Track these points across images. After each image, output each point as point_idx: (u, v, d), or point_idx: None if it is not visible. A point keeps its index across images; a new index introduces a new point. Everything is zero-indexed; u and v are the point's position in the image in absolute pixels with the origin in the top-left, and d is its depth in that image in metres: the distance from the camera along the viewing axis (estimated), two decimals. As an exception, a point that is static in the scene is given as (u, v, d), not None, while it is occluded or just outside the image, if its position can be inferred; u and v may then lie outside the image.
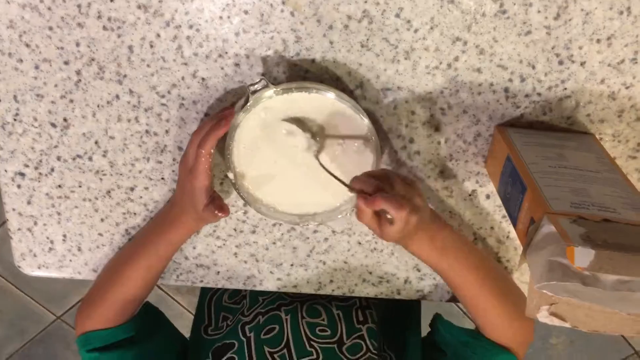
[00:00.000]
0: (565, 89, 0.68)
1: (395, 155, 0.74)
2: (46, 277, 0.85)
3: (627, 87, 0.68)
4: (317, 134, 0.67)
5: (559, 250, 0.51)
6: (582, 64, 0.67)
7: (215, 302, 0.93)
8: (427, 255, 0.70)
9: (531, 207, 0.58)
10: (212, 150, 0.65)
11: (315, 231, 0.79)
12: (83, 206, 0.78)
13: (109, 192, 0.77)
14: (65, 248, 0.82)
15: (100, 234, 0.81)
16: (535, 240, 0.54)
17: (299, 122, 0.66)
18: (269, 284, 0.84)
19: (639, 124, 0.70)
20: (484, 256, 0.76)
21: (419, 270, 0.82)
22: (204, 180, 0.66)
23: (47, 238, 0.81)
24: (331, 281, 0.84)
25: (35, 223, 0.80)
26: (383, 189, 0.60)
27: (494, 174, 0.71)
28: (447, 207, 0.77)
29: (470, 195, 0.76)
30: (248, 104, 0.64)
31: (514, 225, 0.62)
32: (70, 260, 0.83)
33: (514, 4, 0.64)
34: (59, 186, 0.77)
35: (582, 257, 0.49)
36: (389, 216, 0.60)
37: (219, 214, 0.70)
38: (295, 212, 0.71)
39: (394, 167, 0.74)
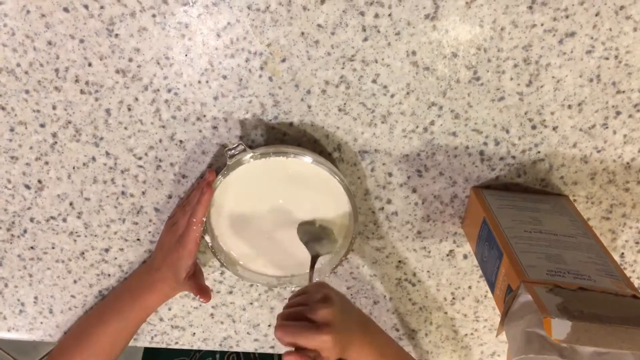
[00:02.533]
0: (539, 152, 0.69)
1: (373, 216, 0.74)
2: (16, 339, 0.83)
3: (598, 151, 0.69)
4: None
5: (536, 321, 0.51)
6: (555, 128, 0.68)
7: None
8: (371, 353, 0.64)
9: (508, 274, 0.58)
10: (203, 219, 0.65)
11: (293, 291, 0.79)
12: (56, 268, 0.77)
13: (83, 253, 0.76)
14: (36, 310, 0.80)
15: (72, 296, 0.79)
16: (512, 309, 0.54)
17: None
18: (246, 345, 0.83)
19: (610, 186, 0.71)
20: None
21: (397, 330, 0.82)
22: (193, 249, 0.66)
23: (18, 300, 0.79)
24: (309, 341, 0.83)
25: (6, 285, 0.78)
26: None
27: (471, 235, 0.71)
28: (425, 267, 0.77)
29: (447, 255, 0.76)
30: (225, 168, 0.64)
31: (492, 290, 0.62)
32: (42, 323, 0.81)
33: (487, 71, 0.65)
34: (32, 248, 0.75)
35: (559, 328, 0.50)
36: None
37: (201, 300, 0.70)
38: (273, 274, 0.71)
39: (371, 228, 0.74)
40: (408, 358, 0.68)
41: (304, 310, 0.58)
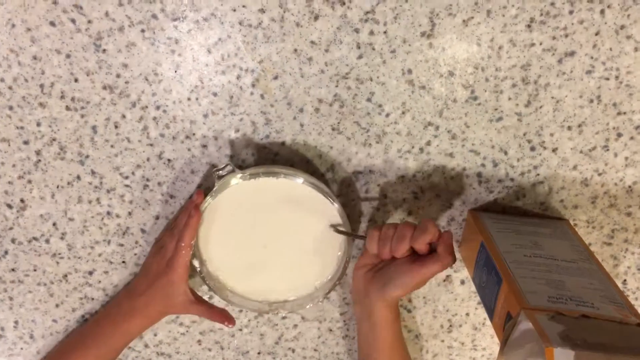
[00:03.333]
0: (538, 174, 0.68)
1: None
2: (-6, 365, 0.79)
3: (599, 174, 0.67)
4: None
5: (538, 351, 0.48)
6: (554, 150, 0.66)
7: None
8: (387, 315, 0.65)
9: (507, 300, 0.55)
10: (192, 242, 0.63)
11: (283, 317, 0.76)
12: (37, 291, 0.74)
13: (66, 276, 0.73)
14: (16, 335, 0.77)
15: (54, 321, 0.76)
16: (512, 337, 0.52)
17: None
18: (235, 373, 0.80)
19: (612, 210, 0.69)
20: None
21: (392, 359, 0.78)
22: (184, 273, 0.64)
23: (-3, 324, 0.76)
24: (300, 370, 0.80)
25: (-15, 308, 0.75)
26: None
27: (468, 259, 0.69)
28: (422, 293, 0.74)
29: (444, 280, 0.74)
30: (214, 189, 0.62)
31: (490, 317, 0.60)
32: (22, 349, 0.78)
33: (485, 91, 0.63)
34: (13, 270, 0.73)
35: (562, 358, 0.47)
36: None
37: (229, 326, 0.68)
38: (264, 299, 0.68)
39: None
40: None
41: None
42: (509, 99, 0.64)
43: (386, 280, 0.61)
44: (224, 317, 0.68)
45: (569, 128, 0.65)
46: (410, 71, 0.63)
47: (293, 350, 0.78)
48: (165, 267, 0.64)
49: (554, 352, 0.47)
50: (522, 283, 0.56)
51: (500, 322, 0.57)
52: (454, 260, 0.58)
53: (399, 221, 0.70)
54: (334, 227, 0.64)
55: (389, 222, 0.62)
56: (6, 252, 0.72)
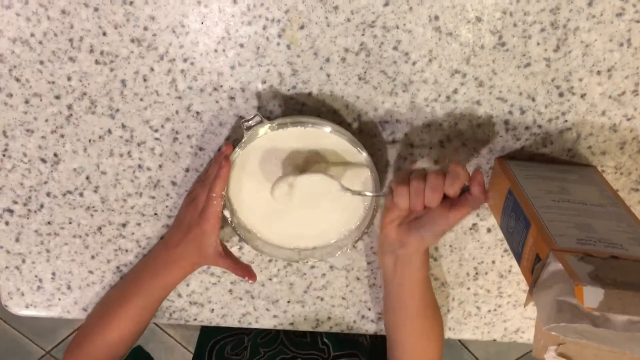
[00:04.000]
0: (566, 121, 0.67)
1: (394, 189, 0.72)
2: (34, 316, 0.82)
3: (628, 119, 0.67)
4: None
5: (567, 290, 0.49)
6: (583, 96, 0.66)
7: (216, 354, 0.90)
8: (423, 259, 0.68)
9: (536, 243, 0.56)
10: (223, 193, 0.64)
11: (312, 267, 0.77)
12: (73, 243, 0.76)
13: (100, 228, 0.75)
14: (54, 286, 0.79)
15: (90, 272, 0.78)
16: (541, 278, 0.53)
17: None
18: (265, 322, 0.82)
19: (641, 156, 0.69)
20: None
21: (419, 306, 0.80)
22: (216, 223, 0.65)
23: (36, 276, 0.79)
24: (329, 318, 0.82)
25: (24, 261, 0.77)
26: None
27: (495, 207, 0.69)
28: (448, 242, 0.75)
29: (471, 229, 0.74)
30: (242, 140, 0.62)
31: (518, 261, 0.60)
32: (59, 299, 0.80)
33: (513, 36, 0.63)
34: (49, 223, 0.75)
35: (592, 296, 0.48)
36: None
37: (250, 281, 0.70)
38: (294, 246, 0.69)
39: (392, 201, 0.73)
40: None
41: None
42: (538, 44, 0.63)
43: (424, 230, 0.62)
44: (246, 272, 0.69)
45: (598, 73, 0.64)
46: (437, 18, 0.62)
47: (322, 299, 0.80)
48: (198, 219, 0.66)
49: (584, 290, 0.47)
50: (551, 226, 0.56)
51: (528, 265, 0.57)
52: (488, 198, 0.58)
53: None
54: (347, 189, 0.63)
55: (413, 171, 0.61)
56: (42, 206, 0.74)
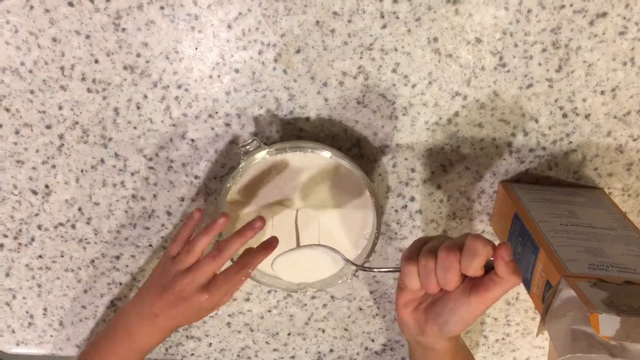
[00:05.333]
0: (571, 142, 0.66)
1: (396, 215, 0.70)
2: (25, 354, 0.79)
3: (634, 140, 0.65)
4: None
5: (582, 318, 0.47)
6: (587, 116, 0.64)
7: None
8: (452, 346, 0.55)
9: (546, 269, 0.54)
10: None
11: (313, 297, 0.75)
12: (65, 277, 0.74)
13: (93, 261, 0.73)
14: (45, 323, 0.77)
15: (83, 307, 0.76)
16: (553, 306, 0.50)
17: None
18: (265, 356, 0.79)
19: (649, 176, 0.67)
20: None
21: (424, 337, 0.77)
22: (228, 300, 0.61)
23: (27, 312, 0.76)
24: (331, 350, 0.79)
25: (14, 296, 0.75)
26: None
27: (501, 232, 0.67)
28: (452, 269, 0.73)
29: (475, 255, 0.72)
30: (240, 165, 0.61)
31: (527, 288, 0.58)
32: (52, 336, 0.78)
33: (514, 57, 0.61)
34: (40, 256, 0.72)
35: (608, 324, 0.45)
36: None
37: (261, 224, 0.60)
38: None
39: (394, 228, 0.71)
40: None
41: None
42: (539, 64, 0.62)
43: (443, 320, 0.50)
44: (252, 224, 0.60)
45: (602, 93, 0.63)
46: (436, 39, 0.61)
47: (323, 331, 0.77)
48: (203, 293, 0.59)
49: (599, 318, 0.45)
50: (561, 251, 0.54)
51: (538, 292, 0.55)
52: (520, 279, 0.46)
53: (427, 196, 0.68)
54: (351, 262, 0.58)
55: (428, 240, 0.50)
56: (33, 239, 0.71)
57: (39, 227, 0.71)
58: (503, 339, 0.78)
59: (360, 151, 0.67)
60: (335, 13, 0.60)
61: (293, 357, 0.79)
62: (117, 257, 0.73)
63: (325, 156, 0.60)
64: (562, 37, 0.60)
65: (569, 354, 0.46)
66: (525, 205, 0.62)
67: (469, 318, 0.48)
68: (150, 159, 0.67)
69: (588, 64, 0.62)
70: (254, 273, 0.63)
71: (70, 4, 0.59)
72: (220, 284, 0.59)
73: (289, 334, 0.78)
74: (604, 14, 0.59)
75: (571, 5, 0.59)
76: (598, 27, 0.60)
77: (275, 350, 0.79)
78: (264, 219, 0.59)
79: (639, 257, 0.54)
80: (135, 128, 0.65)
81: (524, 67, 0.62)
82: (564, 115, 0.64)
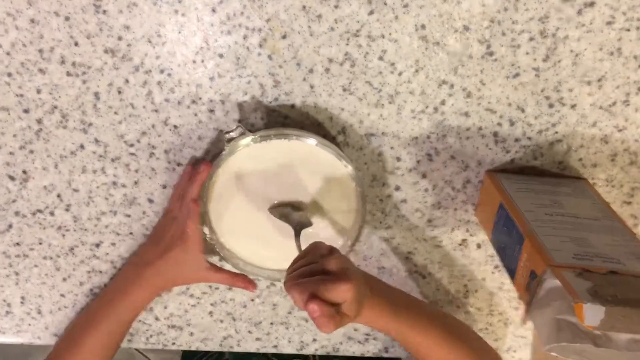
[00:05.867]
0: (556, 132, 0.65)
1: (380, 204, 0.69)
2: (3, 342, 0.78)
3: (619, 130, 0.65)
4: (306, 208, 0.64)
5: (566, 308, 0.47)
6: (573, 106, 0.64)
7: None
8: (384, 322, 0.58)
9: (531, 258, 0.54)
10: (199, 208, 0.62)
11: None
12: (43, 265, 0.72)
13: (72, 249, 0.71)
14: (23, 311, 0.75)
15: (62, 295, 0.74)
16: (538, 295, 0.50)
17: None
18: (248, 345, 0.78)
19: (632, 168, 0.67)
20: (435, 308, 0.69)
21: (407, 326, 0.77)
22: (199, 240, 0.63)
23: (4, 301, 0.74)
24: (314, 340, 0.78)
25: (-9, 284, 0.73)
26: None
27: (486, 222, 0.67)
28: (436, 258, 0.73)
29: (460, 244, 0.72)
30: (223, 152, 0.60)
31: (512, 278, 0.58)
32: (30, 325, 0.76)
33: (502, 46, 0.61)
34: (17, 244, 0.71)
35: (592, 314, 0.45)
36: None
37: (252, 290, 0.67)
38: (276, 267, 0.66)
39: (379, 217, 0.70)
40: (422, 304, 0.65)
41: (313, 267, 0.51)
42: (527, 53, 0.61)
43: None
44: (246, 281, 0.66)
45: (589, 83, 0.63)
46: (423, 27, 0.60)
47: (306, 320, 0.77)
48: (180, 236, 0.63)
49: (584, 307, 0.45)
50: (546, 241, 0.54)
51: (523, 282, 0.55)
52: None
53: (412, 185, 0.68)
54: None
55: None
56: (10, 226, 0.70)
57: (17, 213, 0.69)
58: (486, 328, 0.78)
59: (345, 139, 0.66)
60: (321, -2, 0.59)
61: (276, 346, 0.79)
62: (97, 245, 0.71)
63: (310, 144, 0.60)
64: (549, 26, 0.60)
65: (553, 343, 0.46)
66: (510, 195, 0.62)
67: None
68: (132, 145, 0.66)
69: (575, 53, 0.61)
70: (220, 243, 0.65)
71: (49, -16, 0.58)
72: (177, 211, 0.64)
73: (271, 323, 0.77)
74: (592, 4, 0.59)
75: (559, -6, 0.58)
76: (586, 17, 0.60)
77: (257, 339, 0.78)
78: (208, 164, 0.62)
79: (622, 247, 0.54)
80: (116, 113, 0.64)
81: (512, 55, 0.62)
82: (550, 105, 0.64)
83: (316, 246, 0.54)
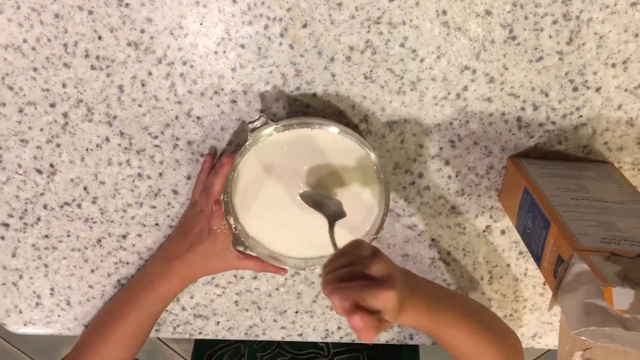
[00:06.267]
0: (581, 116, 0.65)
1: (403, 192, 0.69)
2: (33, 334, 0.79)
3: (645, 113, 0.64)
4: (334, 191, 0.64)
5: (595, 292, 0.47)
6: (598, 89, 0.63)
7: None
8: (421, 322, 0.56)
9: (557, 243, 0.53)
10: (222, 197, 0.62)
11: (321, 275, 0.75)
12: (72, 257, 0.73)
13: (100, 240, 0.72)
14: (53, 302, 0.76)
15: (90, 286, 0.75)
16: (566, 280, 0.50)
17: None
18: (273, 334, 0.79)
19: (659, 150, 0.66)
20: (463, 298, 0.68)
21: (432, 313, 0.77)
22: (228, 231, 0.64)
23: (34, 292, 0.76)
24: (339, 328, 0.79)
25: (21, 277, 0.74)
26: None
27: (510, 208, 0.67)
28: (460, 245, 0.73)
29: (484, 231, 0.72)
30: (247, 142, 0.60)
31: (538, 263, 0.58)
32: (59, 316, 0.77)
33: (524, 30, 0.60)
34: (46, 236, 0.72)
35: (622, 298, 0.45)
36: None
37: (282, 274, 0.69)
38: (301, 255, 0.66)
39: (402, 205, 0.70)
40: (463, 299, 0.65)
41: (354, 270, 0.48)
42: (550, 37, 0.61)
43: None
44: (276, 266, 0.67)
45: (613, 65, 0.62)
46: (444, 12, 0.60)
47: (331, 308, 0.77)
48: (209, 230, 0.64)
49: (613, 291, 0.45)
50: (572, 225, 0.54)
51: (550, 267, 0.55)
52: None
53: (435, 172, 0.68)
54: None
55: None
56: (39, 219, 0.71)
57: (45, 206, 0.70)
58: (511, 314, 0.77)
59: (367, 127, 0.66)
60: (342, -14, 0.59)
61: (301, 334, 0.79)
62: (124, 237, 0.72)
63: (332, 132, 0.60)
64: (573, 8, 0.59)
65: (582, 327, 0.46)
66: (535, 180, 0.61)
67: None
68: (156, 137, 0.66)
69: (599, 36, 0.61)
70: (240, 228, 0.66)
71: (72, -21, 0.58)
72: (203, 204, 0.65)
73: (296, 312, 0.77)
74: (616, -15, 0.58)
75: (583, -24, 0.58)
76: (610, -2, 0.59)
77: (283, 328, 0.79)
78: (231, 156, 0.61)
79: (650, 231, 0.54)
80: (140, 106, 0.64)
81: (534, 39, 0.61)
82: (575, 89, 0.63)
83: (357, 245, 0.52)
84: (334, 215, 0.59)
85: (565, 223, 0.54)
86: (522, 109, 0.65)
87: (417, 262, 0.74)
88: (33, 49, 0.62)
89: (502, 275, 0.74)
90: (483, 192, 0.69)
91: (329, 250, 0.65)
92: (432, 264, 0.74)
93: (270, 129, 0.59)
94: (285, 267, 0.67)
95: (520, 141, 0.66)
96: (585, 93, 0.63)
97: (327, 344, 0.84)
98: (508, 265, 0.74)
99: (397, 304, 0.47)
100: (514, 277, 0.75)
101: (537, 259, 0.58)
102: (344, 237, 0.65)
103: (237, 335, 0.79)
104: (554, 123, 0.65)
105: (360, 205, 0.64)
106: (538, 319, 0.77)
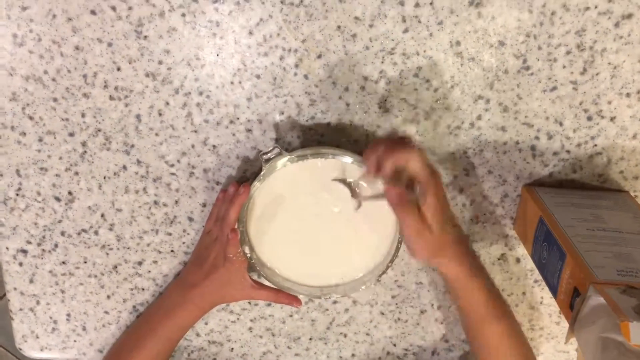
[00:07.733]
0: (596, 145, 0.65)
1: (417, 220, 0.69)
2: (49, 359, 0.80)
3: (661, 142, 0.64)
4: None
5: (612, 326, 0.46)
6: (612, 119, 0.63)
7: None
8: (464, 267, 0.60)
9: (573, 275, 0.53)
10: (237, 227, 0.63)
11: (334, 302, 0.75)
12: (88, 283, 0.74)
13: (116, 267, 0.73)
14: (69, 328, 0.77)
15: (106, 312, 0.76)
16: (582, 313, 0.50)
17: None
18: (287, 360, 0.79)
19: (676, 179, 0.66)
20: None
21: (446, 342, 0.77)
22: (243, 260, 0.64)
23: (50, 318, 0.76)
24: (353, 355, 0.78)
25: (38, 302, 0.75)
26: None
27: (525, 237, 0.67)
28: (475, 273, 0.72)
29: (499, 259, 0.72)
30: (262, 173, 0.61)
31: (554, 295, 0.57)
32: (75, 341, 0.78)
33: (538, 60, 0.61)
34: (63, 262, 0.73)
35: (639, 332, 0.45)
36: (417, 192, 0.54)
37: (296, 306, 0.68)
38: (316, 284, 0.67)
39: (416, 232, 0.70)
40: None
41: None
42: (564, 67, 0.61)
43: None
44: (290, 297, 0.67)
45: (628, 95, 0.62)
46: (458, 43, 0.60)
47: (345, 335, 0.77)
48: (224, 258, 0.64)
49: (630, 326, 0.44)
50: (588, 257, 0.53)
51: (566, 299, 0.54)
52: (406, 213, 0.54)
53: (450, 200, 0.68)
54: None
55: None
56: (56, 245, 0.72)
57: (62, 233, 0.71)
58: (527, 343, 0.77)
59: (382, 156, 0.66)
60: (356, 18, 0.59)
61: (315, 361, 0.79)
62: (140, 263, 0.73)
63: (346, 162, 0.60)
64: (586, 39, 0.60)
65: (599, 362, 0.46)
66: (550, 209, 0.61)
67: (408, 240, 0.56)
68: (172, 165, 0.67)
69: (613, 65, 0.61)
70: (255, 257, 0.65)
71: (93, 12, 0.60)
72: (217, 232, 0.65)
73: (310, 339, 0.77)
74: (630, 16, 0.58)
75: (596, 7, 0.58)
76: (623, 29, 0.59)
77: (297, 355, 0.78)
78: (247, 186, 0.62)
79: (668, 263, 0.53)
80: (157, 135, 0.65)
81: (548, 69, 0.61)
82: (589, 118, 0.63)
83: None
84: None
85: (581, 254, 0.54)
86: (537, 137, 0.65)
87: (432, 290, 0.74)
88: (53, 79, 0.63)
89: (518, 303, 0.74)
90: (498, 220, 0.69)
91: (345, 279, 0.66)
92: (446, 292, 0.74)
93: (284, 160, 0.60)
94: (300, 299, 0.67)
95: (535, 170, 0.66)
96: (600, 122, 0.63)
97: None
98: (524, 293, 0.73)
99: (423, 165, 0.53)
100: (529, 305, 0.74)
101: (553, 289, 0.58)
102: (359, 263, 0.65)
103: (251, 361, 0.79)
104: (568, 152, 0.65)
105: (374, 234, 0.64)
106: (554, 348, 0.77)
